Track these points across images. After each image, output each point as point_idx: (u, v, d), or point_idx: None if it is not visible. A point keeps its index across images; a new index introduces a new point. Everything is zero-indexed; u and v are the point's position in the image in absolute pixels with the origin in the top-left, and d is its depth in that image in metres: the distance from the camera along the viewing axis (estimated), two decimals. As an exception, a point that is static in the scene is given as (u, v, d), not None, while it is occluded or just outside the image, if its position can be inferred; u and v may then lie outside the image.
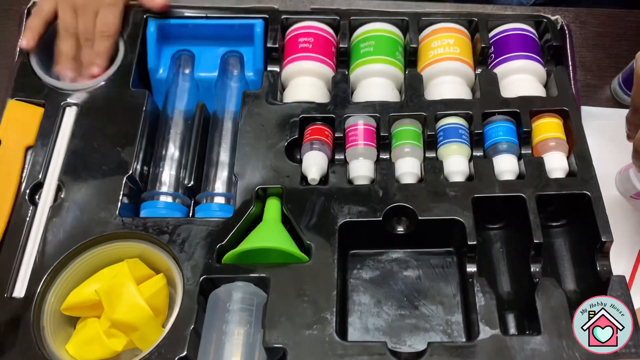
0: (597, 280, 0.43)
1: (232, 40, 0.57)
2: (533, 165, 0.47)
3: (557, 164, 0.46)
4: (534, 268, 0.44)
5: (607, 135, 0.54)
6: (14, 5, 0.64)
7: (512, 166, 0.47)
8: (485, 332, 0.40)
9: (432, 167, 0.48)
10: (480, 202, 0.45)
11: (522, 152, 0.49)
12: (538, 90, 0.52)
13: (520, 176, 0.48)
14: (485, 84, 0.52)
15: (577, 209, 0.46)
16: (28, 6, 0.58)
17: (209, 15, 0.57)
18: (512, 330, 0.45)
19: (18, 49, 0.55)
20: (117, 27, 0.54)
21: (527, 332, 0.43)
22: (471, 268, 0.44)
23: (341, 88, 0.53)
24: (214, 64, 0.57)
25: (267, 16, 0.56)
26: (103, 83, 0.54)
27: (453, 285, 0.46)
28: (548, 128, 0.49)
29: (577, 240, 0.47)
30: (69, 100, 0.53)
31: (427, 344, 0.40)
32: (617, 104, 0.59)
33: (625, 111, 0.46)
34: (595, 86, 0.60)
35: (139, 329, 0.44)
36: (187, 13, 0.57)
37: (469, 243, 0.43)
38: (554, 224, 0.49)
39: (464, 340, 0.44)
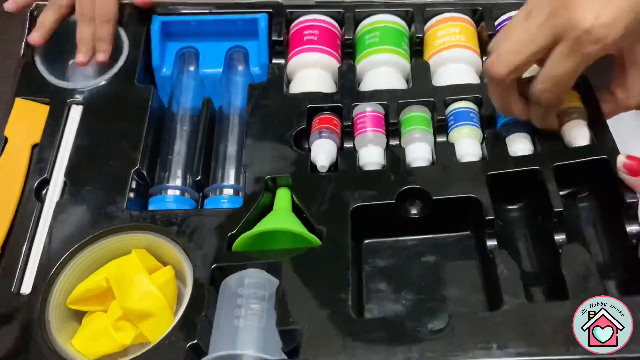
0: (626, 245, 0.41)
1: (236, 36, 0.57)
2: (548, 139, 0.46)
3: (579, 132, 0.45)
4: (558, 238, 0.42)
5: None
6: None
7: (525, 145, 0.46)
8: (509, 303, 0.38)
9: (444, 149, 0.47)
10: (495, 179, 0.44)
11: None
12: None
13: (535, 153, 0.46)
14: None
15: (596, 178, 0.44)
16: (31, 8, 0.58)
17: (212, 11, 0.57)
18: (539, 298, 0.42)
19: (22, 48, 0.55)
20: (116, 11, 0.54)
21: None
22: (491, 243, 0.42)
23: (348, 78, 0.52)
24: (219, 59, 0.57)
25: (271, 10, 0.56)
26: (108, 81, 0.53)
27: (473, 267, 0.44)
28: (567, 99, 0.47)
29: (600, 210, 0.46)
30: (74, 98, 0.52)
31: (449, 315, 0.38)
32: None
33: None
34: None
35: (151, 318, 0.42)
36: (191, 10, 0.57)
37: (486, 218, 0.42)
38: (574, 196, 0.47)
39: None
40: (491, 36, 0.54)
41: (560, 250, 0.41)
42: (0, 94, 0.54)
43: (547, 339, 0.37)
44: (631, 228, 0.42)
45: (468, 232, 0.46)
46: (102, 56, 0.53)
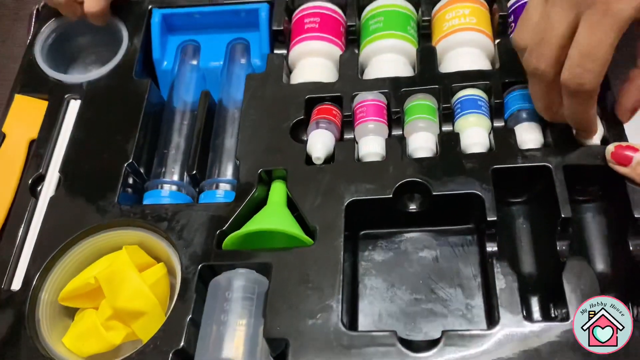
0: (630, 261, 0.38)
1: (237, 27, 0.56)
2: (560, 133, 0.42)
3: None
4: (561, 246, 0.39)
5: None
6: (24, 10, 0.64)
7: (535, 135, 0.43)
8: (505, 318, 0.35)
9: (448, 139, 0.44)
10: (501, 173, 0.41)
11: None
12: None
13: (545, 146, 0.43)
14: (505, 53, 0.48)
15: (608, 182, 0.41)
16: (37, 7, 0.58)
17: (212, 2, 0.55)
18: (537, 315, 0.40)
19: (27, 45, 0.55)
20: None
21: (554, 316, 0.38)
22: (491, 247, 0.39)
23: (349, 66, 0.50)
24: (220, 52, 0.55)
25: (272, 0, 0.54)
26: (106, 75, 0.53)
27: (473, 266, 0.42)
28: None
29: (608, 218, 0.42)
30: (72, 93, 0.52)
31: (442, 332, 0.36)
32: None
33: None
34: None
35: (142, 317, 0.41)
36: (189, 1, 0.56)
37: (488, 219, 0.39)
38: (583, 198, 0.43)
39: (484, 326, 0.39)
40: (504, 17, 0.51)
41: (562, 259, 0.38)
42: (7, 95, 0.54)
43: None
44: (636, 243, 0.38)
45: (470, 225, 0.43)
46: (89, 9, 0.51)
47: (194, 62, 0.56)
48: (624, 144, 0.40)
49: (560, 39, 0.36)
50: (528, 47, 0.38)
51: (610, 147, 0.39)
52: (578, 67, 0.35)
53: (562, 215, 0.38)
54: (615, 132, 0.42)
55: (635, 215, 0.38)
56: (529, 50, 0.38)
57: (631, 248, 0.39)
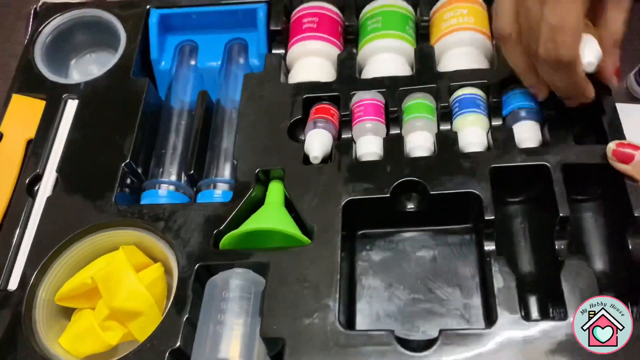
0: (629, 261, 0.38)
1: (235, 27, 0.56)
2: (559, 131, 0.42)
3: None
4: (559, 245, 0.39)
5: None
6: (27, 8, 0.64)
7: (533, 132, 0.43)
8: (504, 317, 0.35)
9: (446, 138, 0.44)
10: (498, 173, 0.41)
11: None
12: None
13: (543, 145, 0.43)
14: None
15: (608, 181, 0.40)
16: (35, 7, 0.58)
17: (211, 2, 0.55)
18: (535, 314, 0.39)
19: (25, 44, 0.55)
20: None
21: (552, 316, 0.38)
22: (489, 246, 0.39)
23: (347, 66, 0.50)
24: (218, 52, 0.55)
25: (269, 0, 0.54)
26: (104, 75, 0.52)
27: (471, 265, 0.41)
28: None
29: (607, 216, 0.42)
30: (70, 93, 0.52)
31: (439, 331, 0.35)
32: (634, 99, 0.55)
33: None
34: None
35: (139, 317, 0.41)
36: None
37: (486, 218, 0.39)
38: (581, 197, 0.43)
39: (482, 326, 0.39)
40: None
41: (560, 259, 0.38)
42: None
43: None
44: (635, 242, 0.38)
45: (468, 225, 0.43)
46: None
47: (192, 62, 0.55)
48: (625, 141, 0.40)
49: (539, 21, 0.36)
50: (512, 35, 0.39)
51: (612, 145, 0.39)
52: (550, 42, 0.36)
53: (561, 214, 0.38)
54: (616, 134, 0.42)
55: (635, 214, 0.38)
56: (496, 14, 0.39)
57: (630, 247, 0.39)
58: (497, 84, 0.46)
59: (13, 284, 0.43)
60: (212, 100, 0.53)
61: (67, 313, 0.45)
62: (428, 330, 0.39)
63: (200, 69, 0.55)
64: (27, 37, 0.56)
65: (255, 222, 0.42)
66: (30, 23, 0.57)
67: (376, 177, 0.42)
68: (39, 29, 0.56)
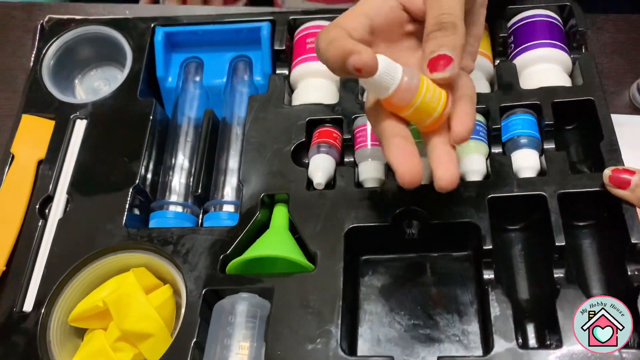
0: (627, 287, 0.39)
1: (240, 45, 0.56)
2: (556, 161, 0.43)
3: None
4: (557, 273, 0.40)
5: (626, 143, 0.49)
6: (33, 22, 0.65)
7: (532, 162, 0.44)
8: (500, 345, 0.37)
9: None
10: (497, 202, 0.42)
11: (545, 147, 0.45)
12: (563, 80, 0.48)
13: (541, 173, 0.44)
14: (504, 75, 0.48)
15: (604, 209, 0.42)
16: (41, 22, 0.58)
17: (215, 20, 0.56)
18: (532, 342, 0.41)
19: (32, 62, 0.56)
20: None
21: (549, 343, 0.39)
22: (488, 274, 0.41)
23: (350, 88, 0.51)
24: (223, 70, 0.56)
25: (273, 18, 0.55)
26: (111, 94, 0.53)
27: (470, 292, 0.43)
28: None
29: (605, 242, 0.43)
30: (78, 113, 0.53)
31: (437, 358, 0.37)
32: (636, 110, 0.56)
33: None
34: (613, 93, 0.56)
35: (149, 338, 0.43)
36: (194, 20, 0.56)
37: (484, 247, 0.40)
38: (579, 223, 0.44)
39: (480, 352, 0.41)
40: (504, 38, 0.51)
41: (557, 287, 0.39)
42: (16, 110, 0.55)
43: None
44: (634, 268, 0.39)
45: (468, 252, 0.45)
46: None
47: (197, 79, 0.56)
48: (620, 167, 0.40)
49: None
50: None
51: (607, 172, 0.40)
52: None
53: (557, 244, 0.40)
54: (612, 157, 0.43)
55: (633, 241, 0.39)
56: None
57: (629, 273, 0.40)
58: (497, 108, 0.47)
59: (28, 306, 0.45)
60: (218, 118, 0.54)
61: (80, 333, 0.46)
62: (427, 357, 0.41)
63: (205, 86, 0.56)
64: (34, 54, 0.57)
65: (260, 249, 0.43)
66: (37, 39, 0.58)
67: (378, 204, 0.44)
68: (46, 47, 0.56)
